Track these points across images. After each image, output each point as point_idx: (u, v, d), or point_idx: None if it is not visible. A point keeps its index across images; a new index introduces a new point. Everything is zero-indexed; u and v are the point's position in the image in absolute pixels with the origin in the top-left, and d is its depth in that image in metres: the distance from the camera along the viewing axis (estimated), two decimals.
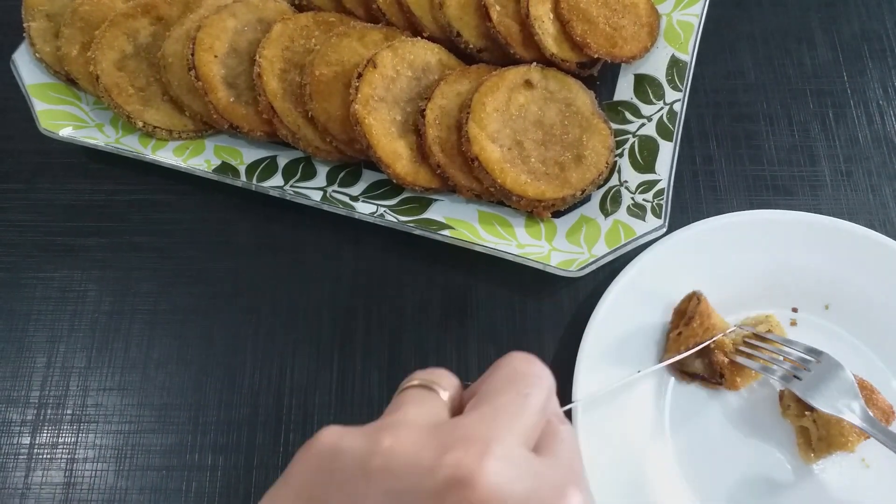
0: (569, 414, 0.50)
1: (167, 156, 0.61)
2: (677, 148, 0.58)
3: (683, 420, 0.53)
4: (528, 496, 0.25)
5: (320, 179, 0.61)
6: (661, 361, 0.53)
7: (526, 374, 0.30)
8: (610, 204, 0.58)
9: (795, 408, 0.50)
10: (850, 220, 0.57)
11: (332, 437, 0.28)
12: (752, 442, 0.52)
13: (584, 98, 0.61)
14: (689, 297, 0.54)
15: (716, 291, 0.55)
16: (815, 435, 0.49)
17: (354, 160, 0.61)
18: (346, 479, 0.26)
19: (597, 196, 0.59)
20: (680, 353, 0.52)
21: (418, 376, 0.31)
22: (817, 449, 0.50)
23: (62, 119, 0.62)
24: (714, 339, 0.52)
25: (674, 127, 0.59)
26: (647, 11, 0.65)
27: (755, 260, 0.56)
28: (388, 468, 0.26)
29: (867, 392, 0.50)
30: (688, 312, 0.53)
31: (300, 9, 0.65)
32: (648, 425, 0.52)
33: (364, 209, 0.58)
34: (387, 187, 0.60)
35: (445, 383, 0.31)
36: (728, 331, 0.53)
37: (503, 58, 0.62)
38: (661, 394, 0.54)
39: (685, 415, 0.53)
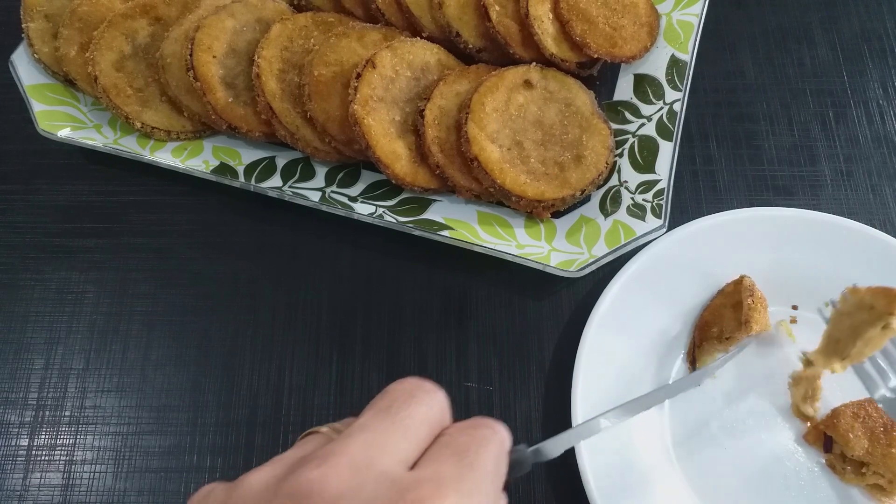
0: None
1: (165, 157, 0.61)
2: (677, 148, 0.58)
3: (684, 408, 0.53)
4: (372, 502, 0.26)
5: (319, 180, 0.60)
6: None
7: (395, 391, 0.31)
8: (610, 204, 0.58)
9: (852, 468, 0.50)
10: (851, 219, 0.56)
11: (207, 487, 0.29)
12: (753, 439, 0.52)
13: (583, 98, 0.60)
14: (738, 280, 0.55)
15: (716, 289, 0.55)
16: (885, 481, 0.49)
17: (353, 161, 0.61)
18: None
19: (596, 196, 0.59)
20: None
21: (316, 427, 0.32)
22: (891, 490, 0.49)
23: (60, 120, 0.62)
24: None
25: (674, 127, 0.59)
26: (646, 11, 0.64)
27: (756, 257, 0.56)
28: (243, 496, 0.27)
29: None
30: (743, 292, 0.53)
31: (299, 9, 0.65)
32: (648, 418, 0.52)
33: (363, 210, 0.58)
34: (386, 188, 0.60)
35: (339, 425, 0.32)
36: None
37: (502, 58, 0.62)
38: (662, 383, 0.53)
39: (686, 408, 0.53)
